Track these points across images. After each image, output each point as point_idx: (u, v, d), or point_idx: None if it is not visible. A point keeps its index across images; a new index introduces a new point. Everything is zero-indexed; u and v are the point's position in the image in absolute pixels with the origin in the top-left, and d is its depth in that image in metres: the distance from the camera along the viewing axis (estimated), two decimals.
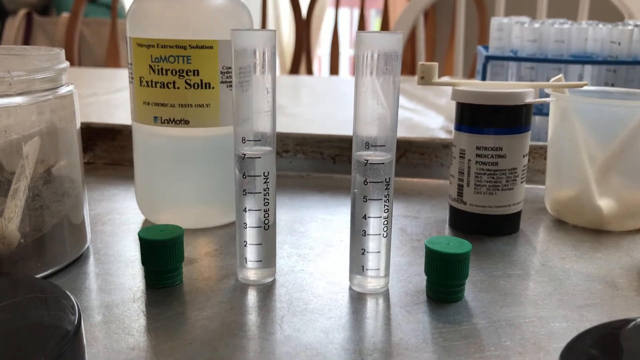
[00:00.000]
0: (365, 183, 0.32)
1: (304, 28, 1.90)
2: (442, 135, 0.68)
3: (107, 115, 0.80)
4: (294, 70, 1.98)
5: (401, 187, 0.52)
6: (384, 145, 0.31)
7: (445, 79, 0.50)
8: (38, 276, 0.33)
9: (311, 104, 0.92)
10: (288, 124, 0.78)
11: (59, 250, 0.34)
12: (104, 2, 2.27)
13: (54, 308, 0.26)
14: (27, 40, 2.17)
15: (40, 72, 0.32)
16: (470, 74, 1.44)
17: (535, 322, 0.30)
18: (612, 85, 0.63)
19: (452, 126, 0.43)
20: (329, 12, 2.67)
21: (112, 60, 1.77)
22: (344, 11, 3.31)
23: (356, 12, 1.90)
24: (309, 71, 1.97)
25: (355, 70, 0.30)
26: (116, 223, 0.42)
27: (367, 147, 0.31)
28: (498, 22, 0.63)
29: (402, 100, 0.96)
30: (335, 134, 0.55)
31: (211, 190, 0.41)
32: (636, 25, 0.63)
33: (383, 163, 0.31)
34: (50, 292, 0.27)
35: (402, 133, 0.70)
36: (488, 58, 0.63)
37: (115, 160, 0.57)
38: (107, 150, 0.57)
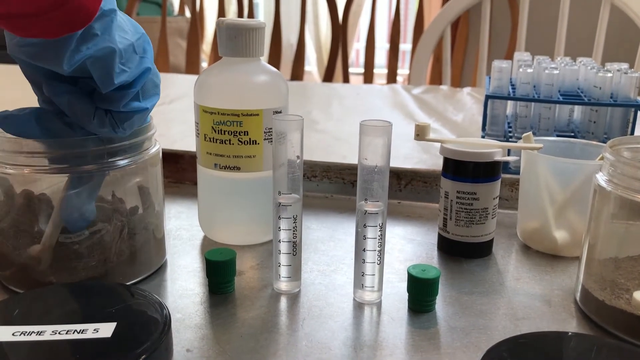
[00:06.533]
0: (365, 226, 0.44)
1: (339, 28, 2.01)
2: None
3: (165, 129, 0.94)
4: (331, 64, 2.10)
5: (406, 210, 0.65)
6: (378, 201, 0.44)
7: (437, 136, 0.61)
8: (129, 283, 0.47)
9: (341, 120, 1.05)
10: (318, 141, 0.91)
11: (146, 263, 0.48)
12: (154, 0, 2.40)
13: (151, 310, 0.40)
14: None
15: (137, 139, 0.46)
16: None
17: (480, 330, 0.43)
18: (594, 122, 0.74)
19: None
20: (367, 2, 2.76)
21: (162, 59, 1.92)
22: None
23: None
24: (345, 67, 2.09)
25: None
26: (183, 238, 0.56)
27: (365, 200, 0.44)
28: (498, 65, 0.75)
29: (422, 116, 1.08)
30: (354, 163, 0.68)
31: (254, 216, 0.54)
32: (617, 71, 0.73)
33: (377, 212, 0.44)
34: (147, 297, 0.41)
35: (411, 161, 0.82)
36: (487, 97, 0.74)
37: (178, 180, 0.71)
38: (171, 171, 0.71)
